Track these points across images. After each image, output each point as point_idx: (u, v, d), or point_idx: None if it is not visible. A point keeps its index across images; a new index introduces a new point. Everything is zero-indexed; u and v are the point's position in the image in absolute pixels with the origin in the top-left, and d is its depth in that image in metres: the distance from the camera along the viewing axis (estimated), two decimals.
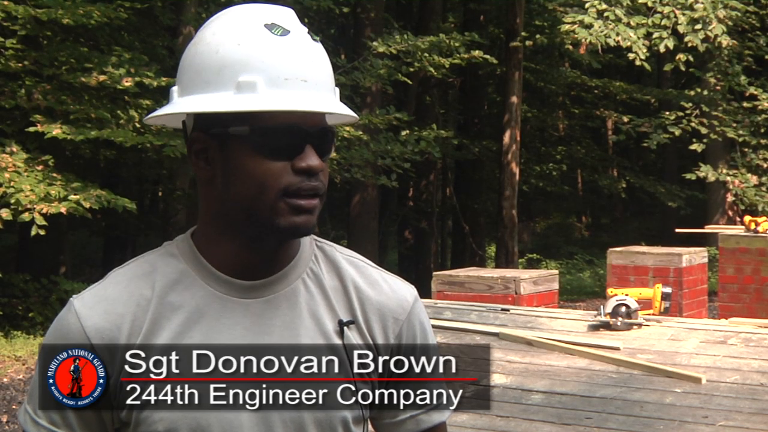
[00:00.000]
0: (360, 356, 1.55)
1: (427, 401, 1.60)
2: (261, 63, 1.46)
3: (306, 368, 1.50)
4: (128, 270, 1.54)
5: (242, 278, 1.51)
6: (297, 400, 1.49)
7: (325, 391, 1.51)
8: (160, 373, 1.46)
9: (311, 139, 1.48)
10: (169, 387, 1.46)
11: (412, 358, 1.58)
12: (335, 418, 1.52)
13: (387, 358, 1.57)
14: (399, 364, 1.58)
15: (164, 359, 1.46)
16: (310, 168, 1.47)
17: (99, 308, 1.49)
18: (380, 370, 1.57)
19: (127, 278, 1.52)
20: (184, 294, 1.50)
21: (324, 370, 1.51)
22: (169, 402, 1.46)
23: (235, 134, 1.46)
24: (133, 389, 1.46)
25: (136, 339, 1.47)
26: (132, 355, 1.47)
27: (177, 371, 1.46)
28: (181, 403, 1.46)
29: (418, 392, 1.59)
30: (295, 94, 1.46)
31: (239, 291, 1.51)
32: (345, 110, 1.50)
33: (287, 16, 1.51)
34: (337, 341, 1.53)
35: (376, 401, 1.58)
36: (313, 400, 1.50)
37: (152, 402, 1.46)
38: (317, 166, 1.47)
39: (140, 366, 1.46)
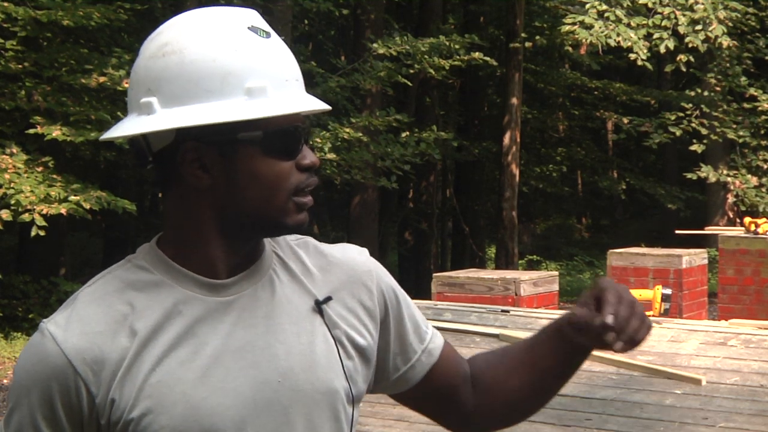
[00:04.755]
0: (347, 326, 1.59)
1: (426, 335, 1.72)
2: (263, 67, 1.47)
3: (296, 352, 1.52)
4: (98, 288, 1.50)
5: (221, 277, 1.52)
6: (295, 388, 1.51)
7: (319, 373, 1.53)
8: (157, 383, 1.45)
9: (305, 137, 1.52)
10: (167, 395, 1.45)
11: (400, 304, 1.67)
12: (335, 398, 1.55)
13: (379, 314, 1.64)
14: (390, 314, 1.66)
15: (157, 369, 1.45)
16: (314, 164, 1.52)
17: (75, 329, 1.45)
18: (372, 332, 1.62)
19: (99, 296, 1.49)
20: (165, 303, 1.48)
21: (312, 350, 1.53)
22: (170, 408, 1.44)
23: (244, 140, 1.46)
24: (128, 406, 1.44)
25: (122, 356, 1.45)
26: (124, 371, 1.44)
27: (173, 378, 1.45)
28: (183, 407, 1.45)
29: (417, 330, 1.70)
30: (297, 94, 1.50)
31: (219, 290, 1.51)
32: (325, 105, 1.55)
33: (259, 17, 1.53)
34: (320, 320, 1.56)
35: (387, 358, 1.66)
36: (309, 385, 1.52)
37: (152, 410, 1.44)
38: (318, 161, 1.53)
39: (135, 379, 1.44)
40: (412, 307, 1.70)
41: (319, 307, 1.57)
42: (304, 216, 1.52)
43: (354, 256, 1.66)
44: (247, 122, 1.45)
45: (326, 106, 1.53)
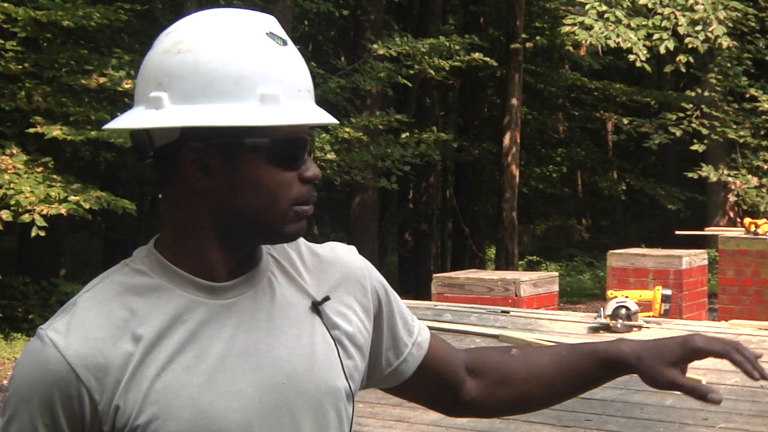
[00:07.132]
0: (345, 324, 1.59)
1: (414, 328, 1.74)
2: (278, 75, 1.46)
3: (298, 354, 1.52)
4: (97, 293, 1.49)
5: (220, 280, 1.51)
6: (299, 389, 1.51)
7: (321, 373, 1.54)
8: (163, 389, 1.44)
9: (309, 148, 1.52)
10: (174, 400, 1.44)
11: (390, 300, 1.69)
12: (338, 398, 1.56)
13: (373, 310, 1.65)
14: (383, 310, 1.67)
15: (162, 375, 1.44)
16: (316, 176, 1.51)
17: (76, 336, 1.44)
18: (368, 328, 1.63)
19: (98, 301, 1.47)
20: (167, 308, 1.47)
21: (313, 351, 1.54)
22: (177, 413, 1.44)
23: (251, 145, 1.45)
24: (133, 413, 1.43)
25: (125, 362, 1.44)
26: (128, 377, 1.43)
27: (179, 384, 1.45)
28: (191, 412, 1.44)
29: (406, 324, 1.72)
30: (308, 105, 1.49)
31: (220, 293, 1.50)
32: (334, 119, 1.55)
33: (277, 24, 1.52)
34: (319, 320, 1.57)
35: (380, 354, 1.68)
36: (313, 386, 1.52)
37: (159, 416, 1.43)
38: (320, 174, 1.52)
39: (140, 385, 1.43)
40: (400, 302, 1.72)
41: (317, 308, 1.57)
42: (302, 224, 1.51)
43: (344, 254, 1.66)
44: (256, 128, 1.44)
45: (335, 120, 1.53)
